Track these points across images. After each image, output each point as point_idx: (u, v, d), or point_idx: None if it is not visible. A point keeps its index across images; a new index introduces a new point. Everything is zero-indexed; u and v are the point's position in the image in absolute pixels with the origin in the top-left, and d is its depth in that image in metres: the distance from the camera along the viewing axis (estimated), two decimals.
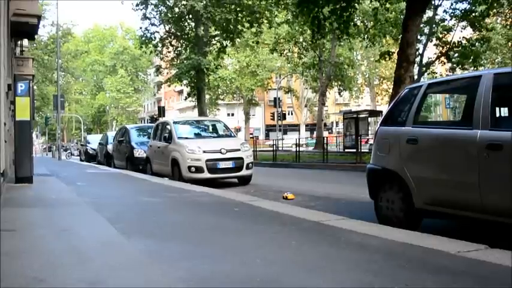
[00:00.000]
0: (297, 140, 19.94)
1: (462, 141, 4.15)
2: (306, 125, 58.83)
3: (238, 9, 21.95)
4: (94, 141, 24.09)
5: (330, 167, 15.39)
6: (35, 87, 26.14)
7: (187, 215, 5.57)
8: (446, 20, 22.61)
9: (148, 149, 12.96)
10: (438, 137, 4.55)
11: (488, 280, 2.78)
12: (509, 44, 28.90)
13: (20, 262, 3.22)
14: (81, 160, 26.26)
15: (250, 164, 10.73)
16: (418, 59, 20.30)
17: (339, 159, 18.21)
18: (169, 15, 22.77)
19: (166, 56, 25.41)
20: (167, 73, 27.20)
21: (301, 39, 27.68)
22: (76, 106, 70.40)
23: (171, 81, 24.73)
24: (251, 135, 45.07)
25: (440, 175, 4.35)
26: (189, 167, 10.26)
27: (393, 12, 21.09)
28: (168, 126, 11.68)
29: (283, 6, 21.22)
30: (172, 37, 23.89)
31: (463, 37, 21.76)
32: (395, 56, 15.89)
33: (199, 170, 10.22)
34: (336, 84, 31.91)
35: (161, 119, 19.90)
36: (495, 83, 3.99)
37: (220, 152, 10.38)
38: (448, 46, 21.82)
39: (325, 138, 21.94)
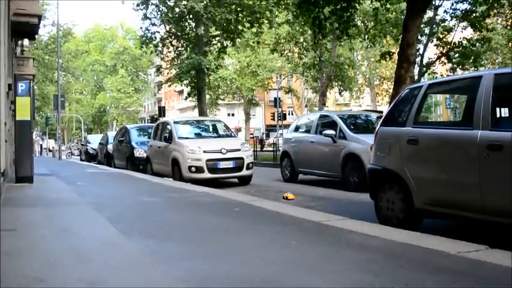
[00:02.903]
0: None
1: (462, 142, 4.15)
2: None
3: (238, 9, 21.92)
4: (94, 141, 24.11)
5: None
6: (35, 87, 26.12)
7: (187, 215, 5.57)
8: (446, 20, 22.56)
9: (148, 148, 12.95)
10: (438, 137, 4.55)
11: (488, 280, 2.78)
12: (510, 44, 28.86)
13: (20, 262, 3.22)
14: (81, 160, 26.25)
15: (251, 164, 10.73)
16: (418, 59, 20.26)
17: None
18: (170, 16, 22.74)
19: (167, 56, 25.39)
20: (167, 73, 27.16)
21: (301, 40, 27.63)
22: (76, 106, 70.36)
23: (172, 81, 24.70)
24: (251, 136, 45.06)
25: (441, 175, 4.34)
26: (190, 167, 10.26)
27: (394, 13, 21.04)
28: (169, 126, 11.68)
29: (283, 6, 21.18)
30: (173, 37, 23.85)
31: (464, 37, 21.71)
32: (395, 56, 15.87)
33: (199, 170, 10.22)
34: (336, 84, 31.87)
35: (161, 119, 19.90)
36: (495, 83, 3.99)
37: (221, 152, 10.38)
38: (448, 46, 21.78)
39: None
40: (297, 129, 11.60)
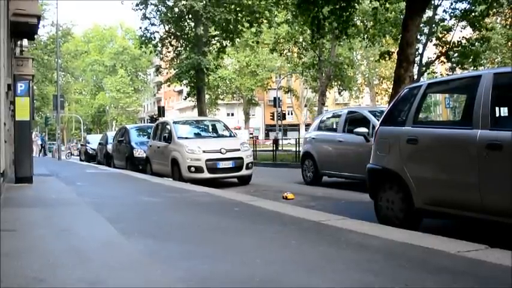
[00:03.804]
0: (297, 140, 19.89)
1: (462, 141, 4.15)
2: (306, 125, 58.66)
3: (238, 9, 21.93)
4: (94, 141, 24.09)
5: None
6: (34, 87, 26.10)
7: (187, 215, 5.57)
8: (446, 19, 22.59)
9: (148, 149, 12.95)
10: (438, 137, 4.55)
11: (488, 280, 2.78)
12: (509, 43, 28.86)
13: (20, 262, 3.22)
14: (81, 160, 26.25)
15: (250, 164, 10.72)
16: (417, 59, 20.27)
17: None
18: (169, 15, 22.75)
19: (166, 56, 25.38)
20: (167, 73, 27.17)
21: (301, 39, 27.63)
22: (76, 106, 70.31)
23: (171, 81, 24.71)
24: (251, 135, 45.09)
25: (440, 175, 4.34)
26: (189, 167, 10.26)
27: (393, 12, 21.06)
28: (168, 126, 11.67)
29: (282, 6, 21.20)
30: (172, 37, 23.86)
31: (463, 37, 21.73)
32: (395, 55, 15.87)
33: (199, 170, 10.21)
34: (335, 84, 31.87)
35: (161, 119, 19.92)
36: (495, 82, 3.99)
37: (220, 152, 10.38)
38: (447, 46, 21.80)
39: None
40: (320, 127, 10.76)
